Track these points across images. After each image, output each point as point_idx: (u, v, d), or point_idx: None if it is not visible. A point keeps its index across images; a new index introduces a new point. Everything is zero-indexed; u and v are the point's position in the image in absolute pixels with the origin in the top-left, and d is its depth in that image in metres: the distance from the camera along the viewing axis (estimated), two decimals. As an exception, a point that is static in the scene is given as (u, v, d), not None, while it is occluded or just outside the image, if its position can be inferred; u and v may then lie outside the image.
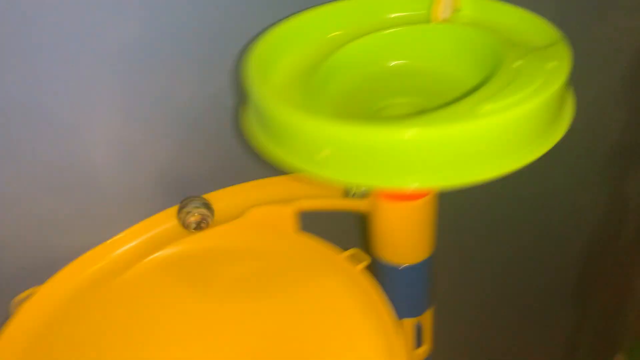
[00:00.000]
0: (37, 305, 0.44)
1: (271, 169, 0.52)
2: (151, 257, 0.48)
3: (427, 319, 0.53)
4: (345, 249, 0.46)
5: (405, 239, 0.46)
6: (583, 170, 0.88)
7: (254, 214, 0.49)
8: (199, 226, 0.48)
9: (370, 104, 0.43)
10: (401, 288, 0.47)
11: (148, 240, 0.49)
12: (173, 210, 0.50)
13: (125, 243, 0.49)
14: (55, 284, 0.46)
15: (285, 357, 0.42)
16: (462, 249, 0.83)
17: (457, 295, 0.86)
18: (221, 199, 0.51)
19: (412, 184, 0.33)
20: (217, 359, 0.43)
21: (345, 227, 0.52)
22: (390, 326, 0.41)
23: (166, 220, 0.50)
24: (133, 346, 0.43)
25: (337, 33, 0.45)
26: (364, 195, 0.48)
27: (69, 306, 0.45)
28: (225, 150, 0.51)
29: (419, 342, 0.55)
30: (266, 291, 0.47)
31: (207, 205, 0.48)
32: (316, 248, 0.47)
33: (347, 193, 0.49)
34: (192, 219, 0.48)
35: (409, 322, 0.52)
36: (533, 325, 1.12)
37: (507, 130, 0.32)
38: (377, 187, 0.37)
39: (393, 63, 0.46)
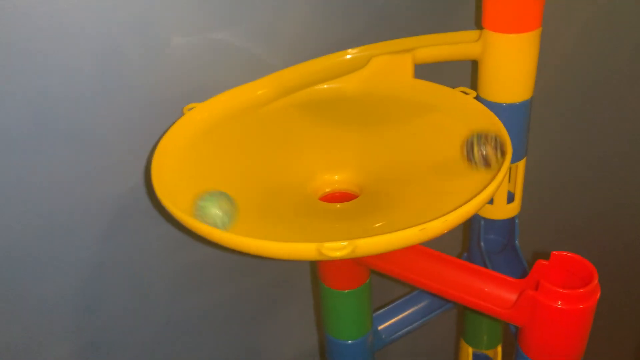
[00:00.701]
0: (199, 114, 0.54)
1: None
2: (289, 96, 0.58)
3: (520, 172, 0.60)
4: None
5: (511, 74, 0.54)
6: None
7: (377, 63, 0.58)
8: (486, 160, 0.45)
9: None
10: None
11: (285, 83, 0.59)
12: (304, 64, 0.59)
13: (267, 84, 0.58)
14: (212, 103, 0.55)
15: (404, 171, 0.49)
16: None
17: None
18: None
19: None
20: (342, 172, 0.51)
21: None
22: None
23: (300, 69, 0.59)
24: (268, 153, 0.53)
25: None
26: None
27: (221, 121, 0.55)
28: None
29: (510, 199, 0.62)
30: (389, 121, 0.55)
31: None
32: (431, 86, 0.56)
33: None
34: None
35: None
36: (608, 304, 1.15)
37: None
38: None
39: None
